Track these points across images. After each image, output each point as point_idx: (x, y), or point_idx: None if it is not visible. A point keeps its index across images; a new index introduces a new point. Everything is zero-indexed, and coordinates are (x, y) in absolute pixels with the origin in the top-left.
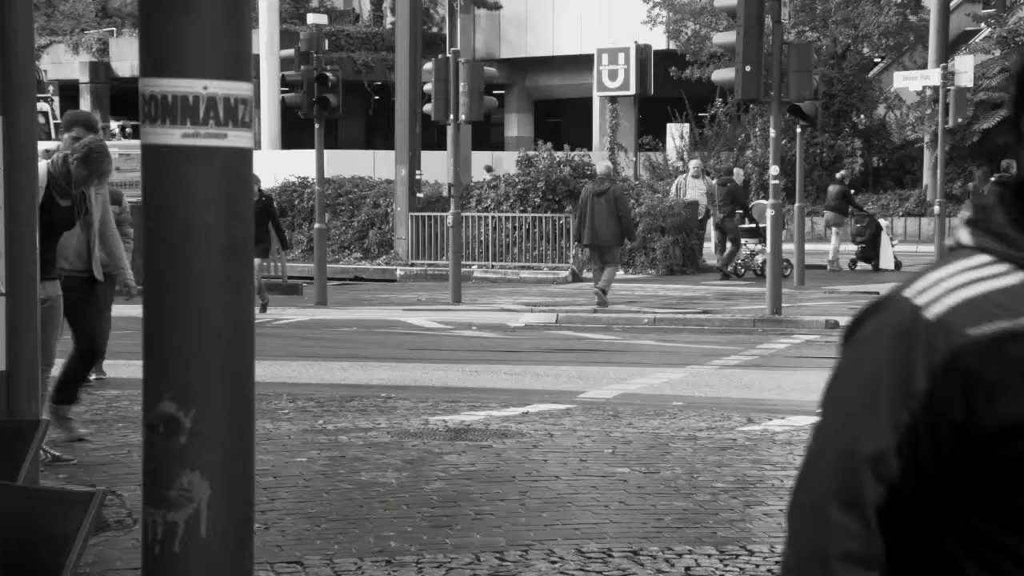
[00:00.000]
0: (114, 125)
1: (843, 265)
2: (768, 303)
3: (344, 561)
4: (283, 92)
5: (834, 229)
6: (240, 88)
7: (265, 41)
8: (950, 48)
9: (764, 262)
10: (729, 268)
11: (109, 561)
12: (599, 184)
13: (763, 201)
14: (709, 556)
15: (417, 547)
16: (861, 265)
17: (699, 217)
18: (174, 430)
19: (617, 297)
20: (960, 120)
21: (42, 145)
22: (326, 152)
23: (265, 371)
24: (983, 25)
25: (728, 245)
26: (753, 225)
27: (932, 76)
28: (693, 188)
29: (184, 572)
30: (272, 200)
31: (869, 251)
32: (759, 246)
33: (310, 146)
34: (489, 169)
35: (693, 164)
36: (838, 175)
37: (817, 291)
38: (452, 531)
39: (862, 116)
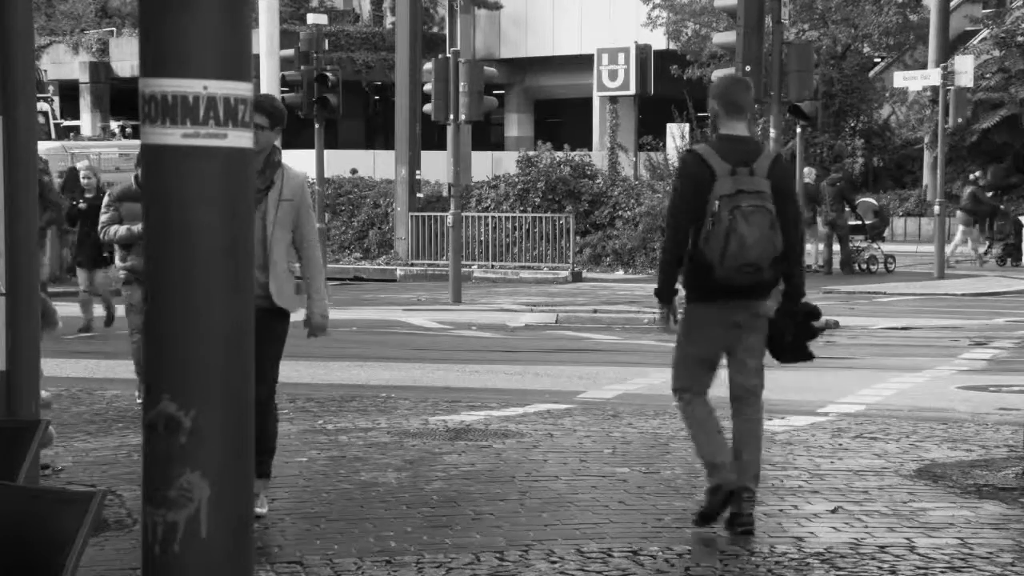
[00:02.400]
0: (114, 125)
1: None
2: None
3: (344, 561)
4: (283, 92)
5: (961, 228)
6: (240, 88)
7: (265, 41)
8: (950, 48)
9: (869, 257)
10: (854, 266)
11: (109, 561)
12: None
13: (869, 199)
14: (709, 556)
15: (417, 547)
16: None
17: None
18: (174, 430)
19: (617, 297)
20: (960, 120)
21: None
22: (326, 152)
23: None
24: (981, 26)
25: (833, 243)
26: (859, 222)
27: (932, 76)
28: None
29: (184, 572)
30: None
31: (1012, 248)
32: (866, 243)
33: (310, 146)
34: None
35: None
36: (971, 176)
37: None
38: (452, 531)
39: (861, 116)
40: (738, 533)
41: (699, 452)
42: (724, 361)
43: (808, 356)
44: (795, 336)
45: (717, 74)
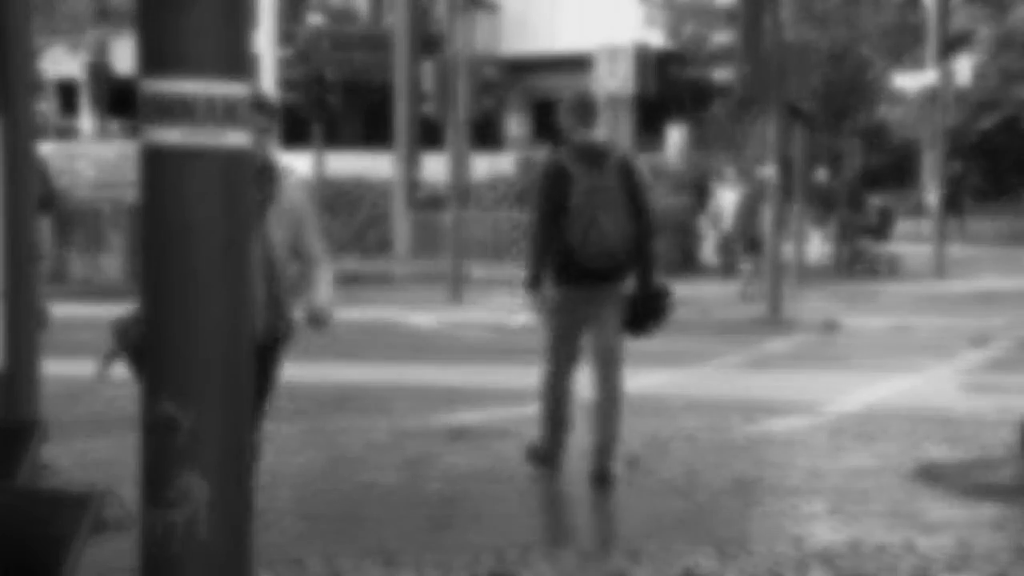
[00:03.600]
0: (115, 126)
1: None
2: (767, 303)
3: (344, 561)
4: (282, 92)
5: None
6: (239, 88)
7: (265, 41)
8: (949, 48)
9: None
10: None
11: (108, 562)
12: None
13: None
14: (708, 556)
15: (417, 547)
16: None
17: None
18: (173, 431)
19: None
20: (959, 120)
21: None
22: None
23: None
24: (981, 26)
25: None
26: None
27: (931, 76)
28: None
29: (183, 573)
30: None
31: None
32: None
33: (309, 146)
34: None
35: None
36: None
37: (823, 291)
38: (452, 531)
39: (860, 117)
40: (601, 485)
41: (546, 421)
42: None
43: (653, 329)
44: (645, 313)
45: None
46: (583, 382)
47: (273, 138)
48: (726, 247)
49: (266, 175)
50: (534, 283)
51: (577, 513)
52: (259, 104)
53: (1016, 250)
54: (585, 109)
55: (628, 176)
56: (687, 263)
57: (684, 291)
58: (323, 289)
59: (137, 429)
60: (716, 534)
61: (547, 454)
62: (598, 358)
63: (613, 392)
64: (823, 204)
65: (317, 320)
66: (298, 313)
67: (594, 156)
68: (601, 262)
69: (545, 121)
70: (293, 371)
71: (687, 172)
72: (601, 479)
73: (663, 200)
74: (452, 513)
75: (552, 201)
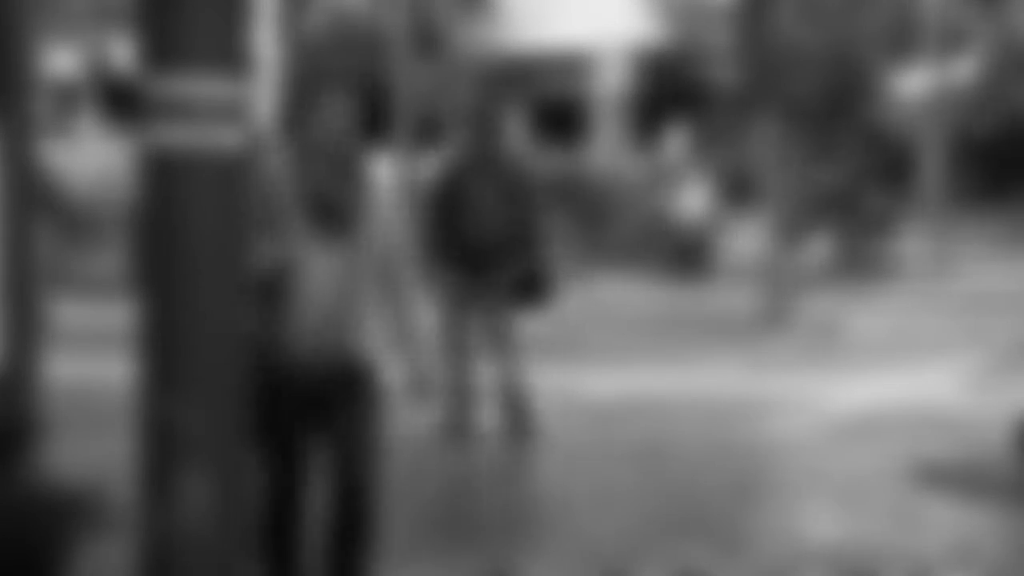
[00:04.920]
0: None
1: None
2: (767, 303)
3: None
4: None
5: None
6: (238, 88)
7: (265, 41)
8: (949, 48)
9: (874, 257)
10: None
11: (107, 562)
12: None
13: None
14: (709, 556)
15: (417, 547)
16: None
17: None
18: (173, 430)
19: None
20: (959, 120)
21: None
22: None
23: None
24: (980, 26)
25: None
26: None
27: (931, 76)
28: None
29: (183, 572)
30: None
31: None
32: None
33: None
34: None
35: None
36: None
37: (827, 292)
38: (452, 531)
39: (859, 116)
40: (521, 441)
41: (451, 394)
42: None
43: (532, 306)
44: (524, 292)
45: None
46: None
47: (359, 137)
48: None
49: (352, 173)
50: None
51: (577, 513)
52: (341, 93)
53: (1016, 250)
54: (483, 121)
55: (511, 172)
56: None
57: (683, 291)
58: (408, 320)
59: (137, 429)
60: (716, 534)
61: (456, 426)
62: (490, 334)
63: (514, 367)
64: (822, 204)
65: (418, 384)
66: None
67: (480, 157)
68: (482, 247)
69: (544, 120)
70: None
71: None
72: (521, 434)
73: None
74: (452, 513)
75: (444, 197)
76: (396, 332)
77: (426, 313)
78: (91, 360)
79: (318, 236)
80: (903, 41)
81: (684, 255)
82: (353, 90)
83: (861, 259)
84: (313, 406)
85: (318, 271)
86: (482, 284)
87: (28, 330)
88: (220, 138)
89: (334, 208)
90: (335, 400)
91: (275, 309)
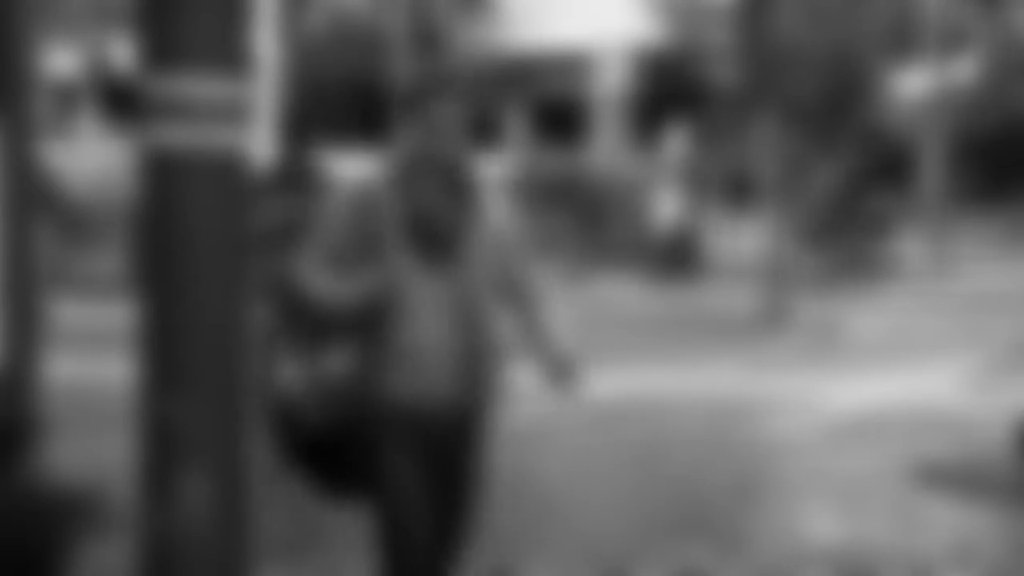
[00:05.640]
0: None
1: None
2: (767, 303)
3: (343, 561)
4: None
5: None
6: (239, 88)
7: (265, 41)
8: (949, 48)
9: (874, 256)
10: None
11: (107, 562)
12: None
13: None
14: (709, 556)
15: None
16: None
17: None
18: (173, 430)
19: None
20: (958, 120)
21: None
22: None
23: None
24: (980, 26)
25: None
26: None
27: (931, 76)
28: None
29: (183, 572)
30: None
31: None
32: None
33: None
34: None
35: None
36: None
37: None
38: None
39: (859, 116)
40: None
41: None
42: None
43: None
44: None
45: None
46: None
47: (465, 134)
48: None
49: (462, 185)
50: None
51: (577, 513)
52: (450, 98)
53: (1016, 250)
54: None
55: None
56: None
57: (683, 290)
58: (557, 332)
59: (134, 429)
60: (716, 534)
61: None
62: None
63: None
64: (822, 203)
65: (563, 374)
66: (518, 372)
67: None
68: None
69: (544, 120)
70: None
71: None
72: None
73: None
74: None
75: None
76: (533, 337)
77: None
78: (91, 360)
79: (426, 263)
80: (903, 41)
81: (667, 257)
82: (461, 95)
83: (861, 259)
84: (425, 453)
85: (426, 301)
86: None
87: (28, 330)
88: (220, 138)
89: (443, 229)
90: (450, 447)
91: (378, 347)
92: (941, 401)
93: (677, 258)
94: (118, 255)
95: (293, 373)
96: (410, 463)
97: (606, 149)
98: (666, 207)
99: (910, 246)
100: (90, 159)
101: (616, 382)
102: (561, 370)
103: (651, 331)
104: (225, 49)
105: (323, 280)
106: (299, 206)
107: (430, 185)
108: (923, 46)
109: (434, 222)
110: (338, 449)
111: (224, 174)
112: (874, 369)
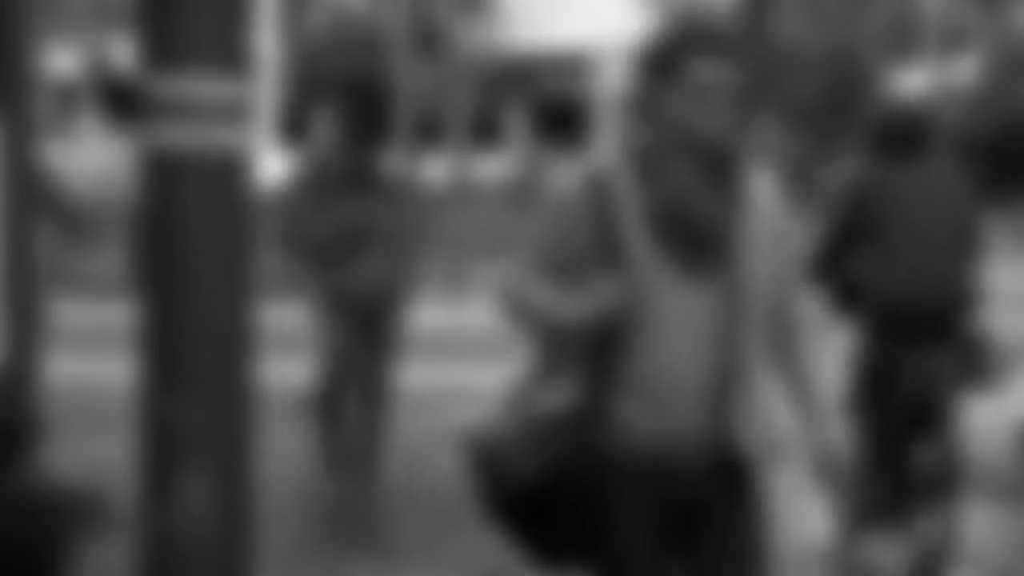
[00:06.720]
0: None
1: None
2: None
3: (343, 561)
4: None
5: None
6: (240, 87)
7: (266, 41)
8: (949, 48)
9: None
10: None
11: (108, 562)
12: None
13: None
14: None
15: (416, 548)
16: None
17: None
18: (174, 429)
19: None
20: (958, 120)
21: None
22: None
23: (265, 369)
24: (981, 26)
25: None
26: None
27: (931, 76)
28: None
29: (183, 572)
30: None
31: None
32: None
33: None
34: None
35: None
36: None
37: None
38: (452, 531)
39: (860, 115)
40: None
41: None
42: None
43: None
44: None
45: None
46: None
47: (741, 130)
48: None
49: (729, 168)
50: None
51: None
52: (715, 60)
53: (1017, 250)
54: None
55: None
56: None
57: None
58: (823, 391)
59: (135, 429)
60: None
61: None
62: None
63: None
64: (822, 203)
65: (830, 465)
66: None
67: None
68: None
69: (544, 121)
70: (291, 370)
71: None
72: None
73: None
74: (452, 513)
75: None
76: (796, 397)
77: (835, 365)
78: (92, 360)
79: (678, 269)
80: (903, 41)
81: None
82: (736, 63)
83: None
84: (669, 514)
85: (677, 318)
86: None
87: (29, 330)
88: (221, 138)
89: (702, 230)
90: (703, 506)
91: (611, 372)
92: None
93: None
94: (119, 255)
95: (502, 414)
96: (646, 520)
97: (607, 149)
98: None
99: None
100: (90, 159)
101: None
102: (827, 459)
103: None
104: (226, 49)
105: (546, 293)
106: (365, 210)
107: (686, 168)
108: (923, 46)
109: (691, 215)
110: (555, 502)
111: (225, 174)
112: None
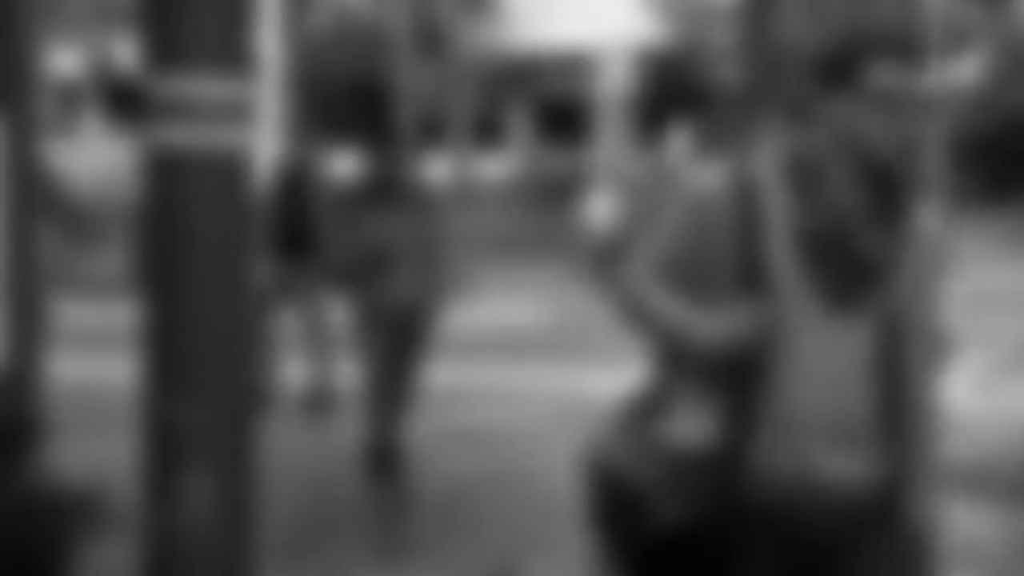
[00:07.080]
0: (116, 125)
1: None
2: None
3: (343, 561)
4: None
5: None
6: (241, 87)
7: (268, 41)
8: (950, 48)
9: None
10: None
11: (110, 562)
12: None
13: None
14: None
15: (416, 548)
16: None
17: None
18: (175, 429)
19: None
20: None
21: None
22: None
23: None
24: (982, 26)
25: None
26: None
27: (932, 76)
28: None
29: (184, 572)
30: None
31: None
32: None
33: None
34: None
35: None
36: None
37: None
38: (452, 531)
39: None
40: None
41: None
42: None
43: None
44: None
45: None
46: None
47: (911, 142)
48: None
49: (897, 187)
50: None
51: (577, 513)
52: (887, 58)
53: (1017, 250)
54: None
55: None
56: None
57: None
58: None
59: (137, 429)
60: None
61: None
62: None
63: None
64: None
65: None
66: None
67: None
68: None
69: (545, 120)
70: (293, 369)
71: None
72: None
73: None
74: (452, 513)
75: None
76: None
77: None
78: (94, 360)
79: (827, 300)
80: (904, 41)
81: (599, 260)
82: (903, 55)
83: None
84: (810, 561)
85: (822, 356)
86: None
87: (31, 330)
88: (223, 138)
89: (860, 258)
90: (849, 554)
91: (748, 408)
92: (942, 401)
93: (609, 262)
94: (121, 255)
95: (625, 443)
96: (783, 570)
97: (609, 149)
98: (596, 211)
99: None
100: (93, 159)
101: (616, 381)
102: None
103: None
104: (228, 49)
105: (676, 305)
106: (390, 225)
107: (851, 183)
108: (924, 46)
109: (850, 239)
110: (694, 550)
111: (227, 174)
112: None
